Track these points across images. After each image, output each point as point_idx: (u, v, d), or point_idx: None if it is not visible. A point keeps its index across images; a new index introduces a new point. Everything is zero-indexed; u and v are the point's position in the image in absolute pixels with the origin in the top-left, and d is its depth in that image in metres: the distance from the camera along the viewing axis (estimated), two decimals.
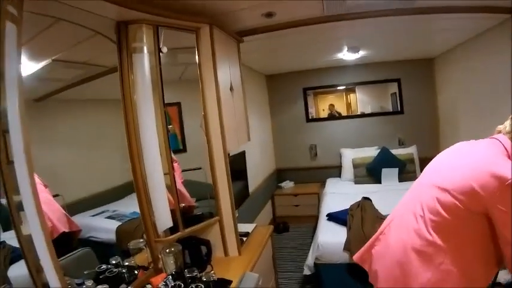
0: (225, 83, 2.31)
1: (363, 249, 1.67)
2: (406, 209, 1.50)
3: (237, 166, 3.62)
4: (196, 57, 2.12)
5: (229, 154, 2.26)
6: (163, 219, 1.89)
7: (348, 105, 5.65)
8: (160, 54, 1.87)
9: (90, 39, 1.74)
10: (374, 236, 1.63)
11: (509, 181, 1.14)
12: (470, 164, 1.31)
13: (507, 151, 1.30)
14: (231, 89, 2.43)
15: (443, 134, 5.14)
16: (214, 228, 2.25)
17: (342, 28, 2.91)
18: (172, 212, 1.93)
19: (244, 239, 2.49)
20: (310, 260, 3.11)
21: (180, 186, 2.10)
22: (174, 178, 1.96)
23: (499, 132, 1.42)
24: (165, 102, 1.91)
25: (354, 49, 3.93)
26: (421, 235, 1.34)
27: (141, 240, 1.87)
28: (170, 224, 1.91)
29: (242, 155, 3.78)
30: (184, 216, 2.01)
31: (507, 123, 1.40)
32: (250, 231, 2.63)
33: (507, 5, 2.52)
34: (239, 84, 2.66)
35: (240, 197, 3.59)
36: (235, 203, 2.34)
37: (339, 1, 2.26)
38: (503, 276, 1.87)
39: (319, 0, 2.22)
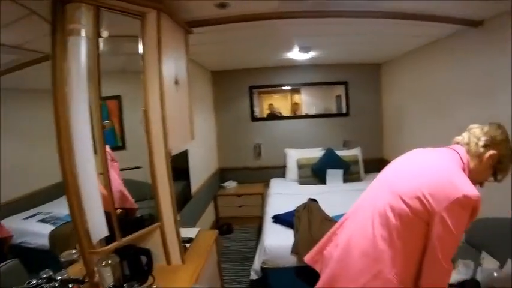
0: (170, 76, 2.11)
1: (314, 250, 1.67)
2: (358, 212, 1.52)
3: (179, 165, 3.43)
4: (140, 45, 1.90)
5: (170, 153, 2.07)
6: (98, 227, 1.64)
7: (293, 105, 5.66)
8: (101, 39, 1.63)
9: (24, 18, 1.50)
10: (326, 237, 1.64)
11: (460, 195, 1.17)
12: (428, 173, 1.33)
13: (463, 163, 1.36)
14: (176, 83, 2.23)
15: (386, 136, 5.34)
16: (155, 235, 2.05)
17: (296, 26, 2.84)
18: (108, 216, 1.70)
19: (188, 245, 2.32)
20: (256, 264, 3.01)
21: (121, 187, 1.91)
22: (110, 179, 1.73)
23: (457, 143, 1.46)
24: (105, 95, 1.69)
25: (305, 49, 3.90)
26: (368, 237, 1.37)
27: (74, 251, 1.63)
28: (106, 233, 1.66)
29: (185, 154, 3.58)
30: (125, 220, 1.81)
31: (465, 135, 1.46)
32: (193, 237, 2.46)
33: (463, 16, 2.60)
34: (185, 79, 2.45)
35: (183, 198, 3.39)
36: (177, 206, 2.15)
37: None
38: (454, 277, 1.89)
39: None
